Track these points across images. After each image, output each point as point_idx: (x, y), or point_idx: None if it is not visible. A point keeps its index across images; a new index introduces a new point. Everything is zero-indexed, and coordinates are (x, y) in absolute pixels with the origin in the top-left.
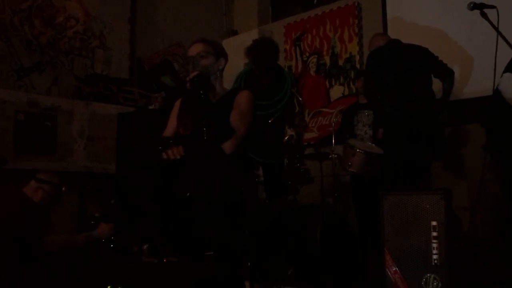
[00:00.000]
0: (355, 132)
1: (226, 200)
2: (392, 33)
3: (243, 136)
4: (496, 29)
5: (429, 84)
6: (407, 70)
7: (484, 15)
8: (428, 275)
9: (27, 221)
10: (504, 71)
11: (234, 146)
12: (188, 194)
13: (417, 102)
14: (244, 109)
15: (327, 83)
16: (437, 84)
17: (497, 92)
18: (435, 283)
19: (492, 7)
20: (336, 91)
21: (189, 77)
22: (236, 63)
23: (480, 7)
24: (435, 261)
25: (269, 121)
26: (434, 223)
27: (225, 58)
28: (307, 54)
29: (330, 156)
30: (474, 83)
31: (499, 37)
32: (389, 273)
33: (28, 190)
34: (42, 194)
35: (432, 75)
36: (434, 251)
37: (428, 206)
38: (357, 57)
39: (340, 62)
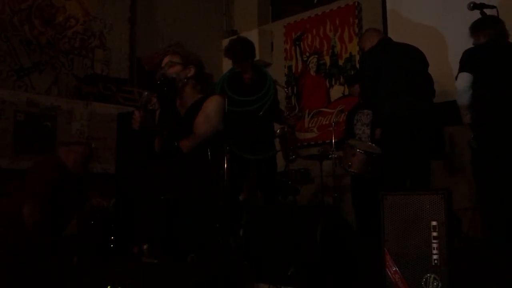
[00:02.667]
0: (354, 131)
1: (191, 200)
2: (392, 33)
3: (202, 137)
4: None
5: (428, 84)
6: (407, 70)
7: (484, 15)
8: (428, 275)
9: (65, 189)
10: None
11: (190, 145)
12: (162, 197)
13: (417, 102)
14: (208, 112)
15: (327, 83)
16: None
17: None
18: (435, 283)
19: (492, 7)
20: (336, 91)
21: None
22: None
23: (480, 7)
24: (435, 261)
25: (260, 113)
26: (434, 223)
27: (195, 66)
28: (307, 54)
29: (330, 156)
30: None
31: None
32: (389, 273)
33: (61, 156)
34: (74, 157)
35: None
36: (434, 251)
37: (428, 206)
38: (357, 57)
39: (340, 62)
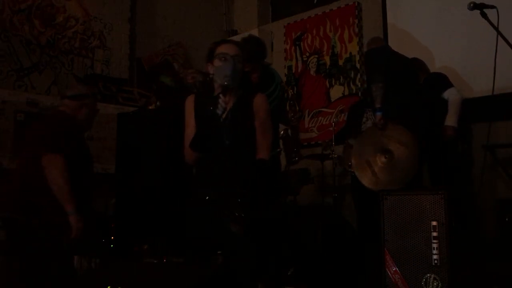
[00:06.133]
0: (363, 130)
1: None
2: (391, 33)
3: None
4: (496, 29)
5: None
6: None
7: (484, 15)
8: (428, 275)
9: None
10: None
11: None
12: (207, 197)
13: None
14: (264, 116)
15: (327, 83)
16: None
17: None
18: (435, 283)
19: (492, 7)
20: (336, 91)
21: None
22: None
23: (480, 7)
24: (435, 261)
25: None
26: (434, 223)
27: None
28: (307, 54)
29: (330, 156)
30: (474, 83)
31: (499, 37)
32: (389, 273)
33: (69, 110)
34: (85, 110)
35: None
36: (434, 251)
37: (428, 206)
38: (357, 57)
39: (340, 62)
